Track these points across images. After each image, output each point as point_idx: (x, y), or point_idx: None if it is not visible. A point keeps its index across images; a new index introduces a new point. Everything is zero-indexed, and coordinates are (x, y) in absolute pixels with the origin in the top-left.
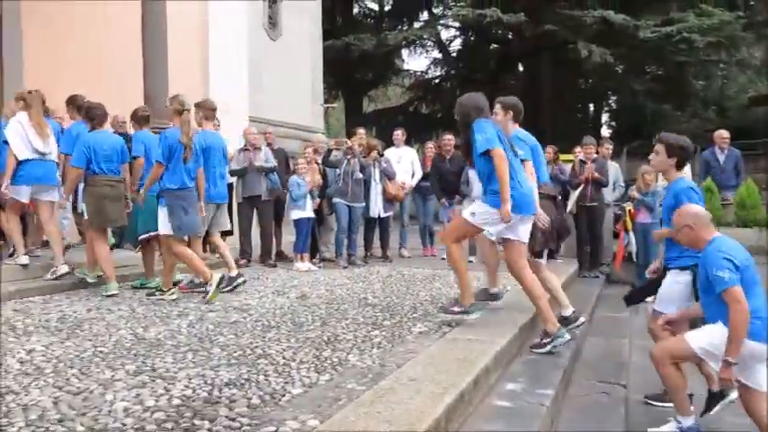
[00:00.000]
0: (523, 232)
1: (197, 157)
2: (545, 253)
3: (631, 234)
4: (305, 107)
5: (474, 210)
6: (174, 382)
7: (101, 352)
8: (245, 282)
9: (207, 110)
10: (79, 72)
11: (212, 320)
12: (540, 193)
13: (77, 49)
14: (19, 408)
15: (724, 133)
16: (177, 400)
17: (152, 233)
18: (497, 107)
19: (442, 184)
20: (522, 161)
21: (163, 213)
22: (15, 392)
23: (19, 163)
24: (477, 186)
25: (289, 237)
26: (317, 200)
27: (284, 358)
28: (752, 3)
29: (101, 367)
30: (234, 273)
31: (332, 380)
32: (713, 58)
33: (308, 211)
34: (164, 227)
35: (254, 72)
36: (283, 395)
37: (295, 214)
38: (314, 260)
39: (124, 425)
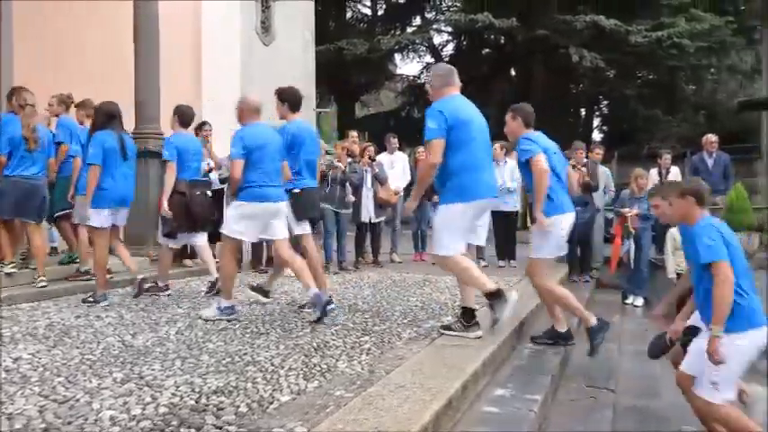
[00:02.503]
0: (120, 219)
1: (43, 149)
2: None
3: (631, 241)
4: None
5: None
6: (162, 390)
7: (88, 360)
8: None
9: (89, 108)
10: (70, 74)
11: (201, 327)
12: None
13: (69, 51)
14: (3, 417)
15: (712, 137)
16: (164, 408)
17: (66, 210)
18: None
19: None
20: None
21: None
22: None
23: None
24: None
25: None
26: None
27: (273, 365)
28: (742, 8)
29: (87, 375)
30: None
31: (320, 387)
32: (703, 62)
33: None
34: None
35: (246, 76)
36: (271, 402)
37: None
38: None
39: None
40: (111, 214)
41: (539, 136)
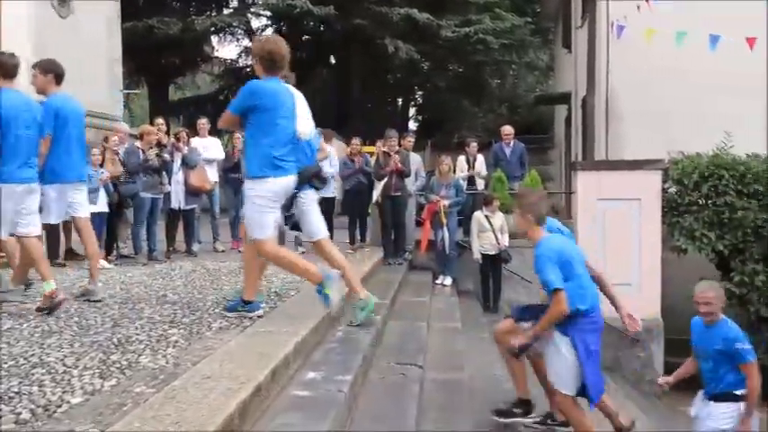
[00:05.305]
0: None
1: None
2: None
3: (445, 229)
4: (102, 93)
5: None
6: None
7: None
8: None
9: None
10: None
11: None
12: None
13: None
14: None
15: (506, 129)
16: None
17: None
18: None
19: None
20: None
21: None
22: None
23: None
24: None
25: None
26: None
27: (65, 366)
28: (538, 10)
29: None
30: None
31: (118, 384)
32: (506, 58)
33: (99, 206)
34: None
35: (38, 53)
36: (59, 406)
37: None
38: (110, 257)
39: None
40: None
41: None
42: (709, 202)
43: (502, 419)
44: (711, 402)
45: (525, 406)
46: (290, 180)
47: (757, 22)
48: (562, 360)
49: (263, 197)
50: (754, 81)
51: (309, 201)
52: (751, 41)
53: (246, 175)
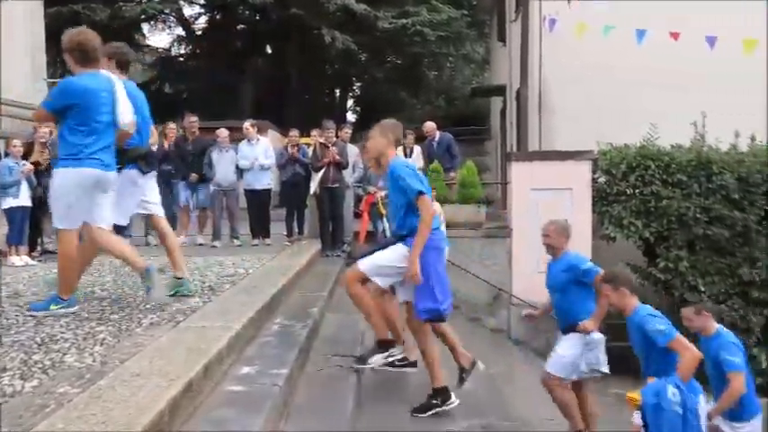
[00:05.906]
0: None
1: None
2: None
3: (384, 222)
4: (24, 81)
5: None
6: None
7: None
8: None
9: None
10: None
11: None
12: None
13: None
14: None
15: (427, 126)
16: None
17: None
18: None
19: (185, 165)
20: None
21: None
22: None
23: None
24: (220, 168)
25: (2, 228)
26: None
27: None
28: (474, 3)
29: None
30: None
31: (40, 385)
32: (443, 51)
33: (22, 200)
34: None
35: None
36: None
37: (6, 203)
38: (33, 253)
39: None
40: None
41: None
42: (637, 191)
43: (361, 366)
44: (563, 336)
45: (387, 346)
46: (107, 175)
47: (682, 21)
48: (387, 255)
49: (73, 188)
50: (678, 77)
51: (127, 183)
52: (675, 35)
53: (57, 165)
